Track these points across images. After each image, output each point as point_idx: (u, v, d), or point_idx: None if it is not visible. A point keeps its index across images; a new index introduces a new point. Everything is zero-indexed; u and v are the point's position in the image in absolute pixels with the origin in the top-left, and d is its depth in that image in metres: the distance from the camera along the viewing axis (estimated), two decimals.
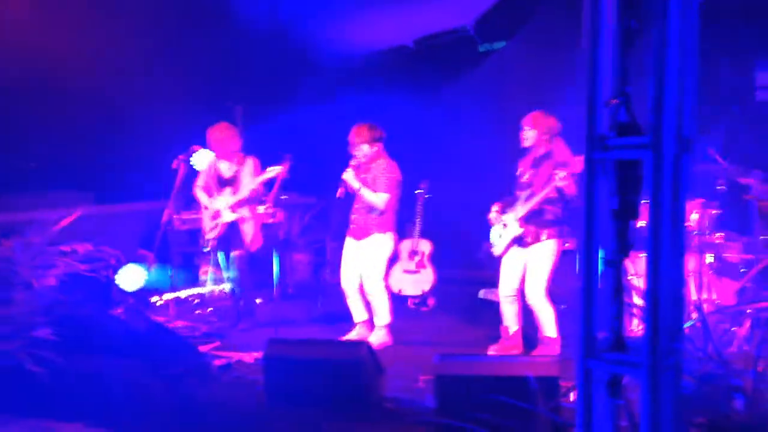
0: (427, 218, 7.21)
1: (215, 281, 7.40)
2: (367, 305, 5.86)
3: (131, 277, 7.15)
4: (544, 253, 5.19)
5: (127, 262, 7.17)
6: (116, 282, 7.01)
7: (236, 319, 6.46)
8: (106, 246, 7.08)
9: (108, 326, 5.44)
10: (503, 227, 5.30)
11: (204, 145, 6.37)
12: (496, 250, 5.37)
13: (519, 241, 5.25)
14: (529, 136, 5.18)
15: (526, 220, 5.19)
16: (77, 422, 4.36)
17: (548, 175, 5.07)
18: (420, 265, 7.13)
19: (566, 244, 6.93)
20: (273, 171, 5.88)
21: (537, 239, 5.18)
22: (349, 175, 5.60)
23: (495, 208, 5.42)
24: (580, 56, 2.10)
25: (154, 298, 7.24)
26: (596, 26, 2.06)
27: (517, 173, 5.37)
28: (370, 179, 5.63)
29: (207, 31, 7.53)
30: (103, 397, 4.67)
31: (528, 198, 5.16)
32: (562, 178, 4.87)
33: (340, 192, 5.62)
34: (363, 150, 5.60)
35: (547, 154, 5.17)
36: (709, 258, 5.45)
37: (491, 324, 5.66)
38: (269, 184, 5.92)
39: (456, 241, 7.45)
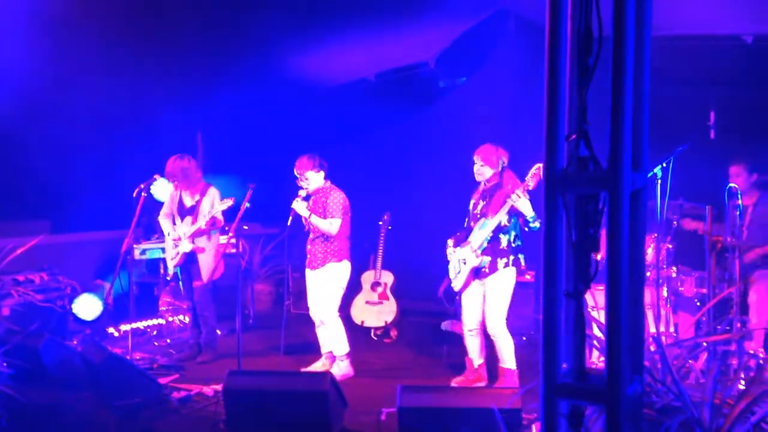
0: (389, 250, 7.24)
1: (174, 312, 7.30)
2: None
3: (88, 307, 7.03)
4: (502, 282, 5.25)
5: (84, 292, 7.05)
6: (72, 312, 6.88)
7: (196, 351, 6.36)
8: (62, 275, 6.96)
9: (63, 357, 5.31)
10: (462, 262, 5.35)
11: (163, 173, 6.32)
12: (456, 285, 5.42)
13: (477, 272, 5.30)
14: (482, 171, 5.27)
15: (483, 250, 5.25)
16: None
17: (501, 204, 5.17)
18: (383, 297, 7.13)
19: (527, 276, 7.03)
20: (228, 202, 5.94)
21: (494, 269, 5.24)
22: (297, 204, 5.68)
23: (450, 242, 5.49)
24: (539, 92, 2.16)
25: (110, 329, 7.11)
26: (555, 63, 2.13)
27: (471, 206, 5.46)
28: (318, 207, 5.70)
29: (165, 58, 7.51)
30: (59, 430, 4.55)
31: (482, 228, 5.23)
32: (517, 197, 4.97)
33: (290, 220, 5.70)
34: (308, 178, 5.71)
35: (498, 185, 5.28)
36: (664, 292, 5.57)
37: (454, 355, 5.68)
38: (231, 213, 5.90)
39: (418, 272, 7.47)
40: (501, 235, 5.22)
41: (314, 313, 5.84)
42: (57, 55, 6.95)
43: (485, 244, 5.23)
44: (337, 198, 5.72)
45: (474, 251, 5.25)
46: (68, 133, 7.52)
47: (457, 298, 5.51)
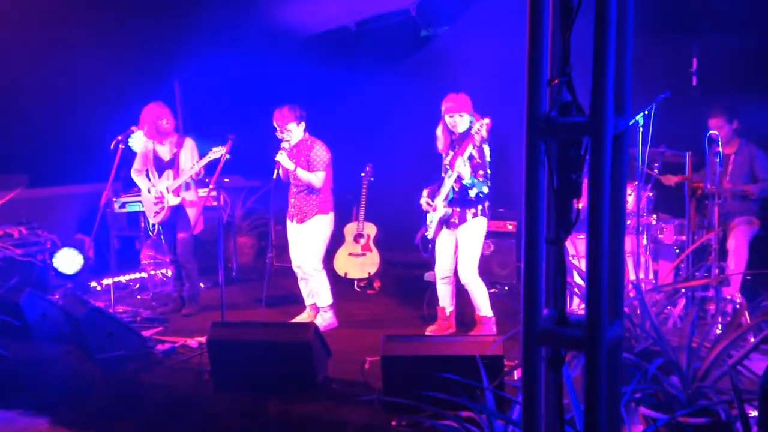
0: (372, 201, 7.22)
1: (156, 266, 7.27)
2: None
3: (69, 262, 6.99)
4: (472, 232, 5.28)
5: (64, 246, 6.99)
6: (53, 266, 6.84)
7: (179, 304, 6.36)
8: (41, 230, 6.90)
9: (45, 311, 5.30)
10: (434, 211, 5.37)
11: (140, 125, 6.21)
12: (429, 234, 5.46)
13: (446, 222, 5.33)
14: (462, 121, 5.21)
15: (450, 201, 5.26)
16: (13, 410, 4.24)
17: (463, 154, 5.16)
18: (365, 248, 7.15)
19: (509, 226, 7.06)
20: (216, 152, 5.76)
21: (463, 219, 5.26)
22: (282, 157, 5.57)
23: (425, 193, 5.48)
24: (522, 39, 2.12)
25: (92, 283, 7.09)
26: (538, 7, 2.08)
27: (444, 156, 5.43)
28: (302, 159, 5.62)
29: (143, 6, 7.33)
30: (42, 384, 4.55)
31: (449, 178, 5.23)
32: (477, 131, 4.97)
33: (276, 174, 5.64)
34: (290, 130, 5.58)
35: (466, 133, 5.24)
36: (644, 239, 5.62)
37: (436, 305, 5.72)
38: (212, 166, 5.81)
39: (400, 223, 7.48)
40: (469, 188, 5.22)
41: (297, 266, 5.83)
42: (30, 8, 6.76)
43: (451, 195, 5.24)
44: (321, 151, 5.62)
45: (443, 202, 5.28)
46: (44, 86, 7.37)
47: (430, 246, 5.54)
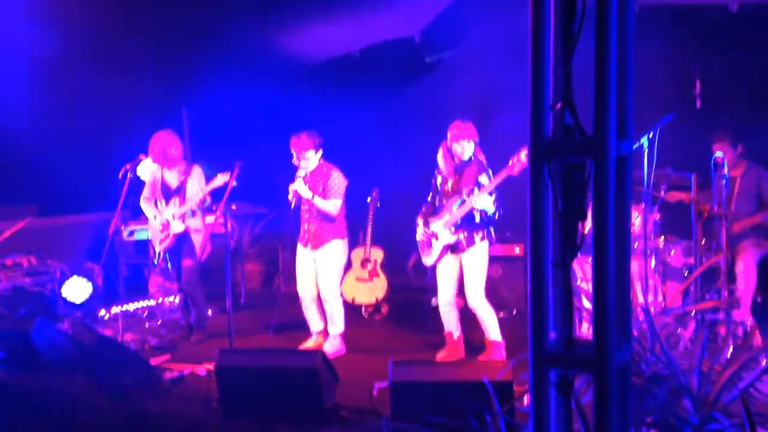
0: (378, 226, 7.23)
1: (165, 293, 7.28)
2: (323, 314, 5.84)
3: (77, 290, 7.00)
4: (478, 256, 5.29)
5: (73, 274, 7.01)
6: (62, 295, 6.85)
7: (188, 331, 6.36)
8: (51, 259, 6.93)
9: (54, 340, 5.30)
10: (434, 238, 5.36)
11: (148, 153, 6.26)
12: (429, 260, 5.44)
13: (453, 248, 5.32)
14: (468, 147, 5.25)
15: (457, 226, 5.26)
16: None
17: (473, 180, 5.19)
18: (373, 274, 7.14)
19: (516, 249, 7.04)
20: (221, 179, 5.79)
21: (471, 242, 5.26)
22: (299, 185, 5.57)
23: (420, 221, 5.48)
24: (524, 62, 2.14)
25: (101, 312, 7.10)
26: (539, 32, 2.11)
27: (438, 182, 5.45)
28: (320, 187, 5.62)
29: (151, 36, 7.42)
30: (50, 414, 4.54)
31: (461, 205, 5.23)
32: (518, 160, 4.96)
33: (293, 203, 5.64)
34: (308, 158, 5.58)
35: (469, 160, 5.27)
36: (652, 262, 5.60)
37: (443, 331, 5.70)
38: (219, 193, 5.84)
39: (408, 248, 7.48)
40: (475, 211, 5.23)
41: (304, 293, 5.81)
42: (38, 36, 6.85)
43: (460, 222, 5.25)
44: (339, 179, 5.62)
45: (448, 228, 5.27)
46: (53, 116, 7.45)
47: (429, 272, 5.54)
